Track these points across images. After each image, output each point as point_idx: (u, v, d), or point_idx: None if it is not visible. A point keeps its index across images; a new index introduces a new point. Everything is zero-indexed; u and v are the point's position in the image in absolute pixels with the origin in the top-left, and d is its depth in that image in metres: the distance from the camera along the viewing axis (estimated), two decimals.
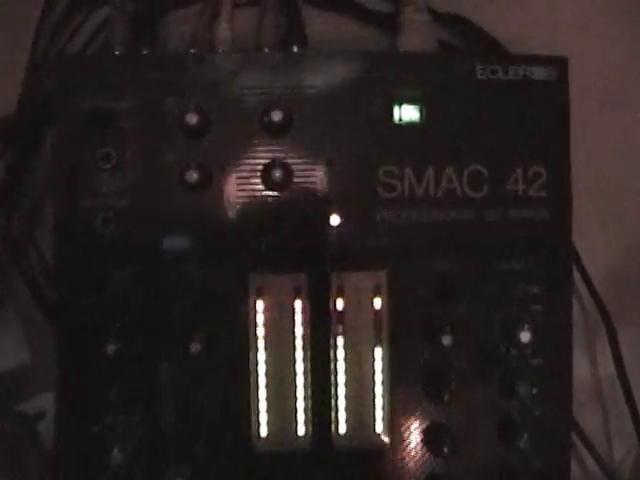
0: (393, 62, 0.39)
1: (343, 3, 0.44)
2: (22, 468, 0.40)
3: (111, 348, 0.36)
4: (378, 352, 0.38)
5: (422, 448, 0.38)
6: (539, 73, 0.39)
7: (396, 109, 0.38)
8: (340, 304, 0.38)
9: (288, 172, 0.37)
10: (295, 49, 0.40)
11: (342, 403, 0.38)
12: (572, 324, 0.39)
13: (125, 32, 0.40)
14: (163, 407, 0.37)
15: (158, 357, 0.37)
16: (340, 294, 0.37)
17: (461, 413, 0.38)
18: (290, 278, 0.38)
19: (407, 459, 0.38)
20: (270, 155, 0.38)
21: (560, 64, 0.39)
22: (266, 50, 0.40)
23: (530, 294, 0.38)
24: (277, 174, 0.37)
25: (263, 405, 0.37)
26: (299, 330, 0.37)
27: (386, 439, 0.38)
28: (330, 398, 0.38)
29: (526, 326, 0.37)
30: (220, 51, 0.40)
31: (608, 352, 0.44)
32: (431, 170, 0.38)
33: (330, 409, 0.38)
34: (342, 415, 0.38)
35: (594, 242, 0.44)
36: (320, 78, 0.38)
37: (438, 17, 0.43)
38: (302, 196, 0.38)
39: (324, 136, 0.38)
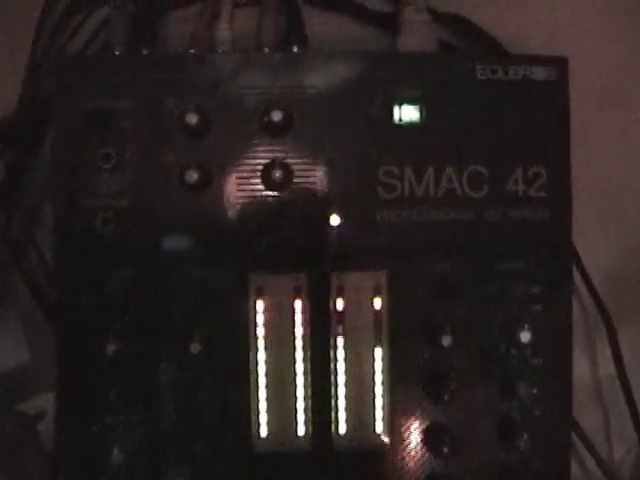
0: (393, 62, 0.39)
1: (343, 3, 0.44)
2: (22, 468, 0.40)
3: (111, 348, 0.36)
4: (378, 352, 0.38)
5: (422, 448, 0.38)
6: (539, 73, 0.39)
7: (396, 109, 0.38)
8: (340, 304, 0.37)
9: (288, 172, 0.37)
10: (295, 49, 0.40)
11: (342, 403, 0.38)
12: (572, 324, 0.39)
13: (125, 32, 0.40)
14: (163, 407, 0.37)
15: (158, 357, 0.37)
16: (340, 294, 0.37)
17: (461, 413, 0.38)
18: (290, 278, 0.38)
19: (407, 459, 0.38)
20: (270, 155, 0.38)
21: (560, 64, 0.39)
22: (266, 50, 0.40)
23: (530, 294, 0.38)
24: (277, 174, 0.37)
25: (263, 405, 0.37)
26: (299, 330, 0.37)
27: (386, 439, 0.38)
28: (330, 398, 0.38)
29: (526, 326, 0.37)
30: (220, 51, 0.40)
31: (608, 352, 0.44)
32: (431, 170, 0.38)
33: (330, 409, 0.38)
34: (342, 415, 0.38)
35: (594, 242, 0.44)
36: (320, 78, 0.38)
37: (438, 17, 0.43)
38: (302, 196, 0.38)
39: (324, 136, 0.38)
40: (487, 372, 0.38)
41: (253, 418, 0.37)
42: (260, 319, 0.37)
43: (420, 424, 0.38)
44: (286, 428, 0.38)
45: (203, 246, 0.37)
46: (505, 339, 0.38)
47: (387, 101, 0.38)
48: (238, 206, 0.37)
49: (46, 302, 0.41)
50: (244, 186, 0.37)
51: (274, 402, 0.37)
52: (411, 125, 0.38)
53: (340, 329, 0.38)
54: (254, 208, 0.37)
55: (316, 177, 0.38)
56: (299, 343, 0.37)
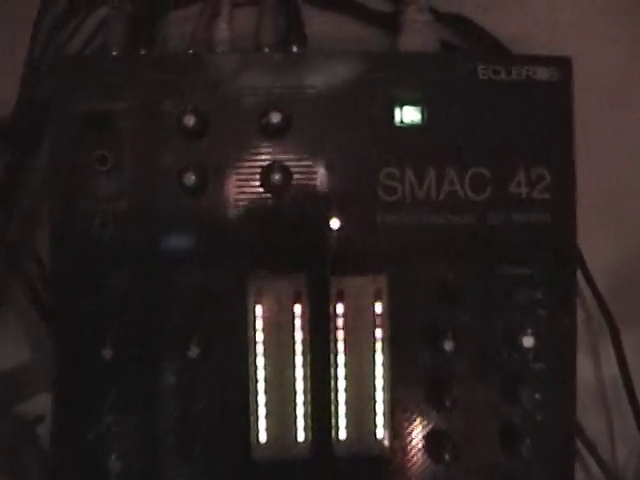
0: (394, 62, 0.38)
1: (343, 2, 0.44)
2: (22, 471, 0.41)
3: (108, 353, 0.36)
4: (379, 357, 0.37)
5: (423, 455, 0.38)
6: (542, 73, 0.38)
7: (397, 110, 0.38)
8: (340, 308, 0.37)
9: (287, 174, 0.37)
10: (295, 49, 0.40)
11: (342, 409, 0.37)
12: (576, 329, 0.39)
13: (123, 32, 0.40)
14: (161, 412, 0.37)
15: (156, 362, 0.37)
16: (340, 298, 0.37)
17: (463, 419, 0.38)
18: (290, 282, 0.37)
19: (408, 466, 0.38)
20: (269, 157, 0.37)
21: (563, 64, 0.39)
22: (265, 50, 0.40)
23: (533, 298, 0.38)
24: (276, 177, 0.36)
25: (262, 411, 0.37)
26: (299, 335, 0.37)
27: (387, 445, 0.38)
28: (330, 404, 0.37)
29: (529, 331, 0.37)
30: (219, 51, 0.40)
31: (611, 353, 0.43)
32: (432, 172, 0.38)
33: (330, 415, 0.37)
34: (342, 421, 0.37)
35: (596, 243, 0.44)
36: (320, 79, 0.38)
37: (440, 17, 0.43)
38: (302, 199, 0.37)
39: (324, 138, 0.38)
40: (489, 378, 0.38)
41: (252, 424, 0.37)
42: (259, 323, 0.37)
43: (421, 430, 0.38)
44: (285, 434, 0.37)
45: (201, 249, 0.37)
46: (508, 344, 0.38)
47: (388, 102, 0.38)
48: (237, 209, 0.37)
49: (44, 305, 0.41)
50: (243, 188, 0.37)
51: (273, 408, 0.37)
52: (412, 126, 0.38)
53: (340, 334, 0.37)
54: (253, 211, 0.37)
55: (316, 179, 0.37)
56: (299, 348, 0.37)
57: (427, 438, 0.38)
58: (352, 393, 0.37)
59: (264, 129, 0.37)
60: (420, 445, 0.38)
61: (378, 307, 0.37)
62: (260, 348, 0.37)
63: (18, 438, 0.41)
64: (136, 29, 0.40)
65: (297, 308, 0.37)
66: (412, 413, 0.38)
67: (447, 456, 0.37)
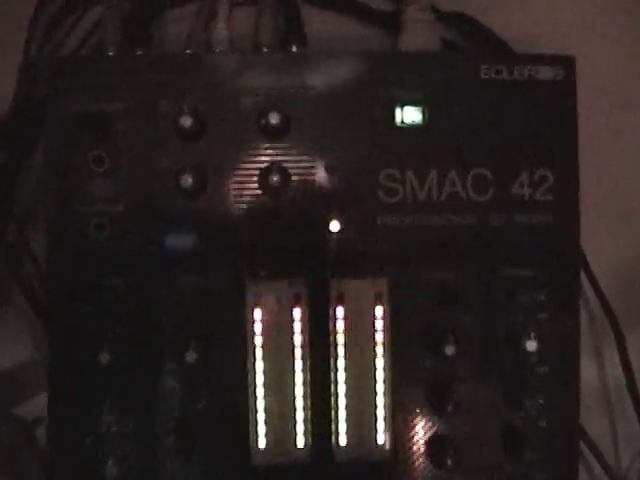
0: (395, 62, 0.38)
1: (343, 2, 0.44)
2: (20, 473, 0.40)
3: (105, 357, 0.35)
4: (379, 362, 0.37)
5: (425, 460, 0.38)
6: (545, 73, 0.38)
7: (398, 111, 0.38)
8: (340, 312, 0.37)
9: (286, 176, 0.37)
10: (294, 49, 0.40)
11: (342, 414, 0.37)
12: (580, 332, 0.39)
13: (119, 32, 0.39)
14: (159, 417, 0.37)
15: (153, 367, 0.37)
16: (340, 302, 0.37)
17: (465, 424, 0.38)
18: (289, 285, 0.37)
19: (409, 472, 0.38)
20: (268, 159, 0.37)
21: (567, 63, 0.38)
22: (264, 50, 0.40)
23: (536, 301, 0.38)
24: (275, 178, 0.36)
25: (261, 416, 0.37)
26: (298, 339, 0.37)
27: (388, 451, 0.38)
28: (330, 409, 0.37)
29: (532, 334, 0.36)
30: (217, 51, 0.40)
31: (616, 357, 0.43)
32: (434, 173, 0.38)
33: (330, 420, 0.37)
34: (342, 426, 0.37)
35: (601, 245, 0.44)
36: (320, 79, 0.37)
37: (442, 16, 0.42)
38: (301, 201, 0.37)
39: (323, 139, 0.37)
40: (492, 382, 0.38)
41: (251, 429, 0.37)
42: (258, 327, 0.37)
43: (423, 435, 0.38)
44: (285, 439, 0.37)
45: (199, 251, 0.37)
46: (510, 347, 0.37)
47: (388, 102, 0.38)
48: (235, 211, 0.37)
49: (42, 307, 0.41)
50: (241, 191, 0.37)
51: (273, 413, 0.37)
52: (413, 127, 0.38)
53: (340, 338, 0.37)
54: (251, 213, 0.37)
55: (315, 181, 0.37)
56: (298, 352, 0.37)
57: (429, 443, 0.37)
58: (352, 398, 0.37)
59: (263, 130, 0.37)
60: (422, 450, 0.38)
61: (379, 310, 0.37)
62: (259, 352, 0.37)
63: (18, 438, 0.41)
64: (132, 29, 0.40)
65: (296, 311, 0.37)
66: (413, 418, 0.38)
67: (449, 461, 0.37)
